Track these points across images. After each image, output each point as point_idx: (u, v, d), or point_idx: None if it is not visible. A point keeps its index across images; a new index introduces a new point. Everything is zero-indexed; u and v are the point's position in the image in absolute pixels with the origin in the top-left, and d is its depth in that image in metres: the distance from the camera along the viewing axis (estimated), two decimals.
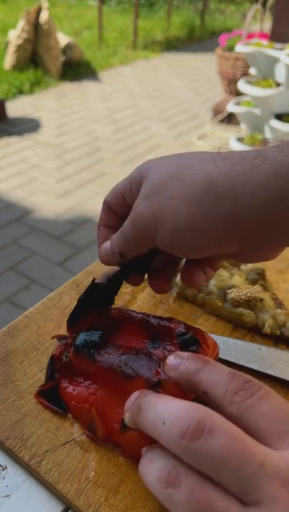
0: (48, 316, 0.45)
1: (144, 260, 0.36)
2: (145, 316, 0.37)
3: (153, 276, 0.37)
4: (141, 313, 0.38)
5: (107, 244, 0.36)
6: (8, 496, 0.32)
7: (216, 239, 0.30)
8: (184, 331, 0.34)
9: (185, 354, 0.29)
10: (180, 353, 0.30)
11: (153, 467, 0.25)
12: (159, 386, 0.30)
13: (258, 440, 0.24)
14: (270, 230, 0.28)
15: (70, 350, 0.36)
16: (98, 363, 0.34)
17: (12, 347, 0.41)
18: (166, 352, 0.33)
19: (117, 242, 0.35)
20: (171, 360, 0.29)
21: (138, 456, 0.27)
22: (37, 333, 0.43)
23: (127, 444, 0.32)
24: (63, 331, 0.43)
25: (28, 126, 3.44)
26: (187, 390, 0.29)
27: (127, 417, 0.28)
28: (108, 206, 0.37)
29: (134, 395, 0.28)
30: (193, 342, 0.33)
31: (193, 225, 0.29)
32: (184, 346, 0.33)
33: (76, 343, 0.35)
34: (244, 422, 0.25)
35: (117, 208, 0.36)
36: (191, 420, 0.23)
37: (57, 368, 0.37)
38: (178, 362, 0.29)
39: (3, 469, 0.33)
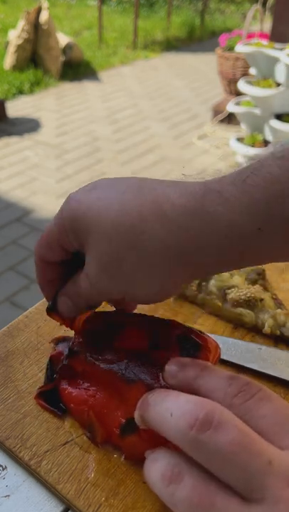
0: (48, 316, 0.45)
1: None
2: (146, 319, 0.37)
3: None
4: (141, 315, 0.37)
5: (65, 300, 0.35)
6: (8, 496, 0.32)
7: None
8: (184, 334, 0.34)
9: (184, 360, 0.29)
10: (179, 359, 0.30)
11: (156, 466, 0.25)
12: None
13: None
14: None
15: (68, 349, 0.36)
16: (98, 366, 0.34)
17: (12, 347, 0.41)
18: (166, 356, 0.33)
19: (79, 300, 0.33)
20: (170, 367, 0.29)
21: (139, 459, 0.27)
22: (37, 333, 0.43)
23: (127, 447, 0.32)
24: (63, 331, 0.43)
25: (28, 126, 3.44)
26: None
27: (136, 415, 0.28)
28: (44, 260, 0.34)
29: (144, 396, 0.28)
30: (193, 346, 0.33)
31: (162, 286, 0.30)
32: (185, 350, 0.32)
33: (70, 346, 0.35)
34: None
35: (55, 258, 0.33)
36: (200, 412, 0.23)
37: (56, 370, 0.37)
38: (176, 369, 0.29)
39: (3, 469, 0.33)
